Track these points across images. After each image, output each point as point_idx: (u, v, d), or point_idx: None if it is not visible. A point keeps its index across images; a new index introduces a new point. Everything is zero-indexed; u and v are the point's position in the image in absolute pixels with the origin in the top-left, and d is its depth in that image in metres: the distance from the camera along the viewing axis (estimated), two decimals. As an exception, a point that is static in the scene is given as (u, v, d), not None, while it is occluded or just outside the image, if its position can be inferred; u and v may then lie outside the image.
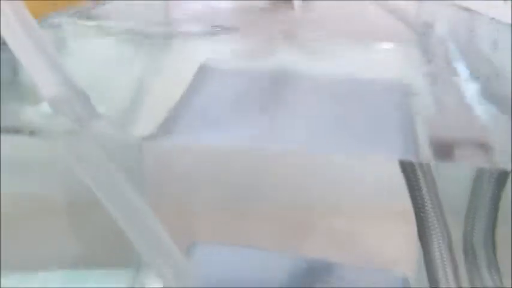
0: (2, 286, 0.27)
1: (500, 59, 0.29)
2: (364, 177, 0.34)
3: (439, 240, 0.24)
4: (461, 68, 0.28)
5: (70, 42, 0.31)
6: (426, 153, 0.24)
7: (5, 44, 0.16)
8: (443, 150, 0.23)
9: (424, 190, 0.25)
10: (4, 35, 0.16)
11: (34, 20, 0.17)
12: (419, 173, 0.25)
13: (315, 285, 0.26)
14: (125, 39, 0.32)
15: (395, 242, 0.28)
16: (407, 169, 0.25)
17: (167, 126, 0.24)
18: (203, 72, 0.28)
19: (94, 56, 0.30)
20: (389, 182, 0.25)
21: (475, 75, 0.27)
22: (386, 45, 0.32)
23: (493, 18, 0.29)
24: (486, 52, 0.30)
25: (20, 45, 0.16)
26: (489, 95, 0.26)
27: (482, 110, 0.25)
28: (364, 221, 0.34)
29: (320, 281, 0.27)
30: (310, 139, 0.23)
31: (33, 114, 0.18)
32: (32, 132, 0.18)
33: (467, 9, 0.32)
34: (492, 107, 0.25)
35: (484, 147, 0.23)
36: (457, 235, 0.27)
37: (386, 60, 0.30)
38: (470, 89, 0.26)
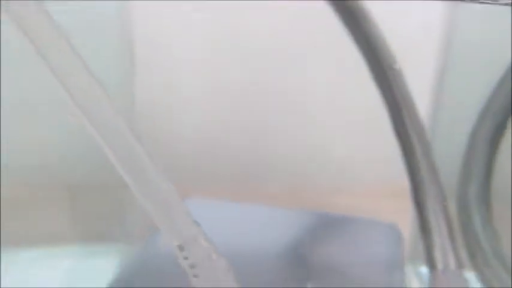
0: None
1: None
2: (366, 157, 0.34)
3: (433, 201, 0.24)
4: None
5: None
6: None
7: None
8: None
9: (418, 152, 0.25)
10: None
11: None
12: (413, 134, 0.25)
13: (307, 237, 0.26)
14: None
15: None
16: (401, 132, 0.25)
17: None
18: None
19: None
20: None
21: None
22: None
23: None
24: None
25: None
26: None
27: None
28: (366, 200, 0.34)
29: (312, 233, 0.27)
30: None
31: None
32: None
33: None
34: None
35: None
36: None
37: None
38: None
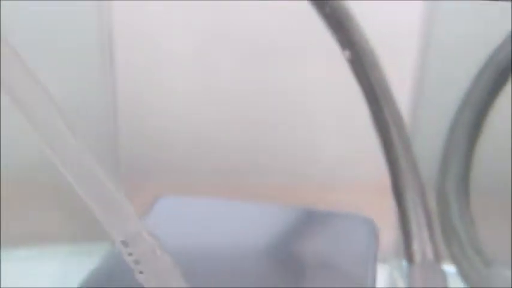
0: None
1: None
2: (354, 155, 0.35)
3: (412, 193, 0.25)
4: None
5: None
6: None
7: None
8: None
9: (398, 145, 0.25)
10: None
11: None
12: (392, 127, 0.25)
13: (282, 231, 0.26)
14: None
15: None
16: (381, 125, 0.26)
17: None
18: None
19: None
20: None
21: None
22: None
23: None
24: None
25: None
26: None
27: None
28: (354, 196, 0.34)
29: (287, 227, 0.27)
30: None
31: None
32: None
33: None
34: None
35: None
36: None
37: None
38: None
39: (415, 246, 0.23)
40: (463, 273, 0.25)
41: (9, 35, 0.14)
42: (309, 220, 0.27)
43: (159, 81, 0.35)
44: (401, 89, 0.27)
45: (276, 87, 0.35)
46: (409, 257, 0.23)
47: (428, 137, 0.30)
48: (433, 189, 0.28)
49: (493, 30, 0.27)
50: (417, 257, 0.22)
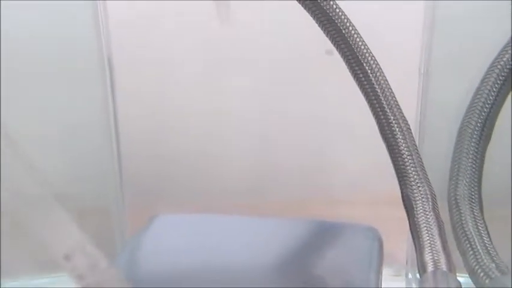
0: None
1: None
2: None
3: (423, 202, 0.24)
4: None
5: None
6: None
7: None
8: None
9: (405, 152, 0.25)
10: None
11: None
12: (399, 135, 0.25)
13: (285, 244, 0.26)
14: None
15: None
16: (387, 133, 0.25)
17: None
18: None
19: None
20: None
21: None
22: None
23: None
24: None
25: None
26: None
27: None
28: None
29: (290, 239, 0.26)
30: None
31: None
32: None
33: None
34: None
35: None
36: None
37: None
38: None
39: (427, 256, 0.22)
40: (478, 282, 0.24)
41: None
42: (313, 230, 0.27)
43: (166, 102, 0.35)
44: (407, 96, 0.27)
45: (286, 104, 0.34)
46: (422, 267, 0.22)
47: (436, 144, 0.29)
48: (444, 196, 0.28)
49: (496, 31, 0.26)
50: (429, 267, 0.22)
